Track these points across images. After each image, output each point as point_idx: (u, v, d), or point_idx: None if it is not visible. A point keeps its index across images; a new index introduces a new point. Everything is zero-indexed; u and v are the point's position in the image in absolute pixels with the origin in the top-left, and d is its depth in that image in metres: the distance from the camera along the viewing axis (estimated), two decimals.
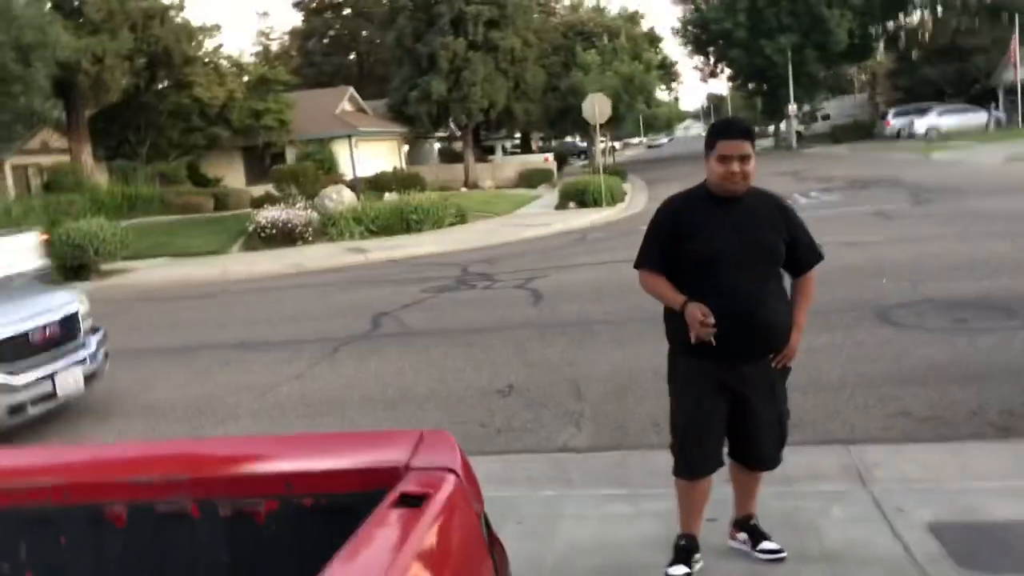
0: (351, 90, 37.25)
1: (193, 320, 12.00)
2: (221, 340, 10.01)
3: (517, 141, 54.59)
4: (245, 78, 29.79)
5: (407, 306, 10.94)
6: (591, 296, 10.26)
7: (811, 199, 20.03)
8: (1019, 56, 39.68)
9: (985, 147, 31.52)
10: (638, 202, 25.57)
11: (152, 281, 16.56)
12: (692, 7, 56.00)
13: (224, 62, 28.41)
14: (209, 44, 28.43)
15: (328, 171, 30.59)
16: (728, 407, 3.50)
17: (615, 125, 43.76)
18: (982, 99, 46.27)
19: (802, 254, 3.57)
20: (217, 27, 28.07)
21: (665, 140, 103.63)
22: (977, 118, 43.15)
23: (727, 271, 3.39)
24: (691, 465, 3.56)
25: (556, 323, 9.13)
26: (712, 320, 3.30)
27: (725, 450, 3.64)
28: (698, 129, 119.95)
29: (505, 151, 47.28)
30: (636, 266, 3.66)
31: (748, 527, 3.78)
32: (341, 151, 32.11)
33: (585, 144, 51.55)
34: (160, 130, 29.27)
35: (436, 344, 8.63)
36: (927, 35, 51.46)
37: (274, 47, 59.99)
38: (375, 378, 7.58)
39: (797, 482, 4.46)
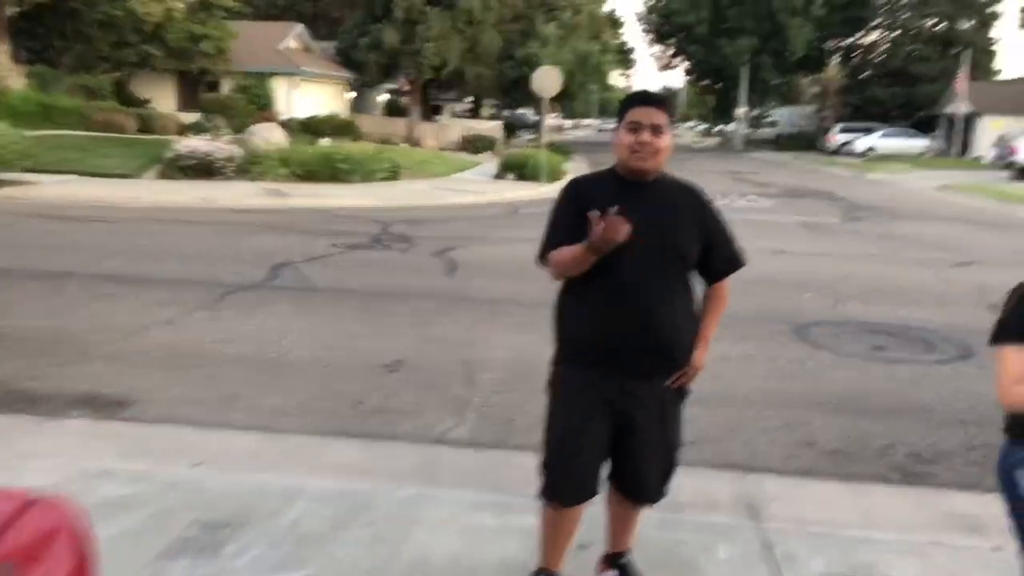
0: (300, 26, 35.78)
1: (80, 245, 11.09)
2: (101, 270, 9.19)
3: (469, 105, 53.62)
4: None
5: (313, 259, 10.26)
6: (508, 273, 9.72)
7: (747, 202, 19.86)
8: (964, 89, 40.31)
9: (920, 172, 31.98)
10: None
11: (48, 197, 15.42)
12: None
13: None
14: None
15: (264, 107, 29.38)
16: (611, 429, 3.00)
17: (567, 103, 43.25)
18: (925, 125, 47.13)
19: (719, 258, 3.07)
20: None
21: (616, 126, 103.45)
22: (917, 143, 43.93)
23: (629, 267, 2.87)
24: (558, 490, 3.04)
25: (465, 297, 8.59)
26: (618, 219, 2.73)
27: (605, 474, 3.15)
28: None
29: (453, 113, 46.31)
30: (540, 258, 3.11)
31: (619, 565, 3.30)
32: (280, 89, 30.82)
33: (537, 118, 50.94)
34: (89, 41, 27.56)
35: (332, 304, 8.01)
36: (881, 56, 52.07)
37: None
38: (256, 334, 6.93)
39: (685, 510, 4.01)
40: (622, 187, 2.95)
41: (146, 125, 25.80)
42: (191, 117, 27.30)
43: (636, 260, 2.87)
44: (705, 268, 3.06)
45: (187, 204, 15.36)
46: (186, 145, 19.03)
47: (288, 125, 25.53)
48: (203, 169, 18.77)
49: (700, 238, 2.98)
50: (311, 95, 32.29)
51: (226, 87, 30.14)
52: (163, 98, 30.91)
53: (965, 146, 42.06)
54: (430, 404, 5.49)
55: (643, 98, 2.95)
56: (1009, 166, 29.12)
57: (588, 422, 2.96)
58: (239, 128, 22.14)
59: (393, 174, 20.71)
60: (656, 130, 2.87)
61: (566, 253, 2.91)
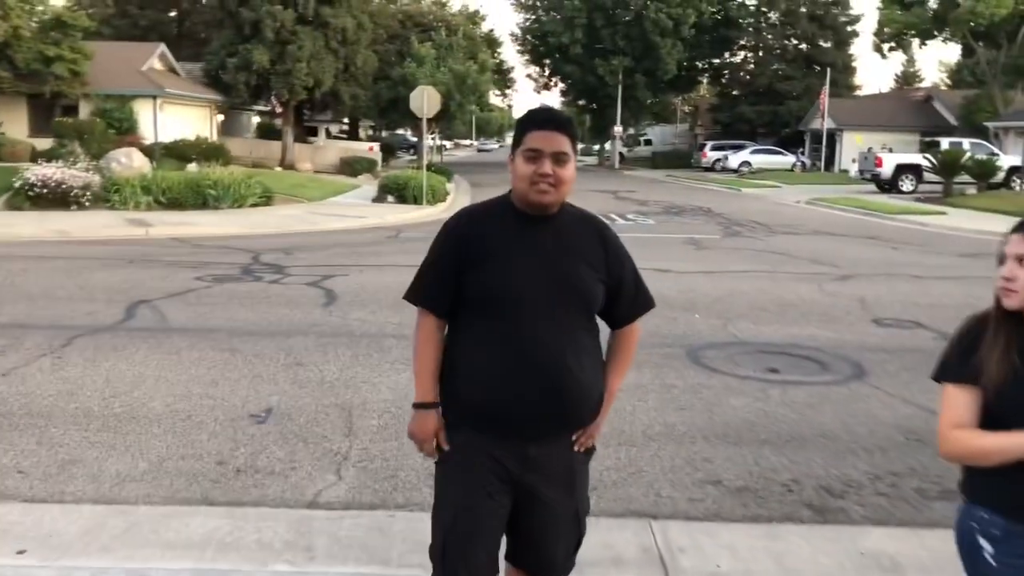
0: (162, 47, 34.15)
1: None
2: None
3: (345, 126, 52.62)
4: (35, 17, 26.37)
5: (174, 295, 9.46)
6: (390, 303, 9.15)
7: (629, 221, 19.93)
8: (826, 106, 42.22)
9: (791, 187, 33.12)
10: (460, 203, 24.74)
11: None
12: (533, 16, 56.15)
13: None
14: None
15: (127, 131, 27.78)
16: (510, 500, 2.56)
17: (445, 123, 42.96)
18: (791, 142, 49.14)
19: (626, 300, 2.68)
20: None
21: (496, 146, 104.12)
22: (785, 160, 45.72)
23: (525, 316, 2.47)
24: None
25: (343, 331, 8.01)
26: (445, 448, 2.57)
27: (503, 553, 2.70)
28: None
29: (329, 134, 45.29)
30: (407, 297, 2.68)
31: None
32: (145, 112, 29.22)
33: (416, 139, 50.40)
34: None
35: (194, 346, 7.29)
36: (748, 75, 54.06)
37: None
38: (104, 385, 6.18)
39: (589, 568, 3.61)
40: (517, 222, 2.55)
41: None
42: (46, 143, 25.51)
43: (536, 308, 2.47)
44: (610, 312, 2.67)
45: (37, 237, 14.15)
46: (36, 173, 17.64)
47: (152, 150, 24.18)
48: (57, 199, 17.47)
49: (605, 278, 2.59)
50: (178, 118, 30.80)
51: (85, 111, 28.37)
52: (14, 122, 28.82)
53: (830, 160, 43.99)
54: (304, 459, 4.93)
55: (543, 120, 2.54)
56: (874, 179, 30.45)
57: (486, 500, 2.51)
58: (97, 154, 20.73)
59: (266, 199, 19.83)
60: (559, 159, 2.48)
61: (423, 353, 2.64)
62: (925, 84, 67.86)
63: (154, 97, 29.54)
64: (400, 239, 15.81)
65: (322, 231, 16.63)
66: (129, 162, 19.18)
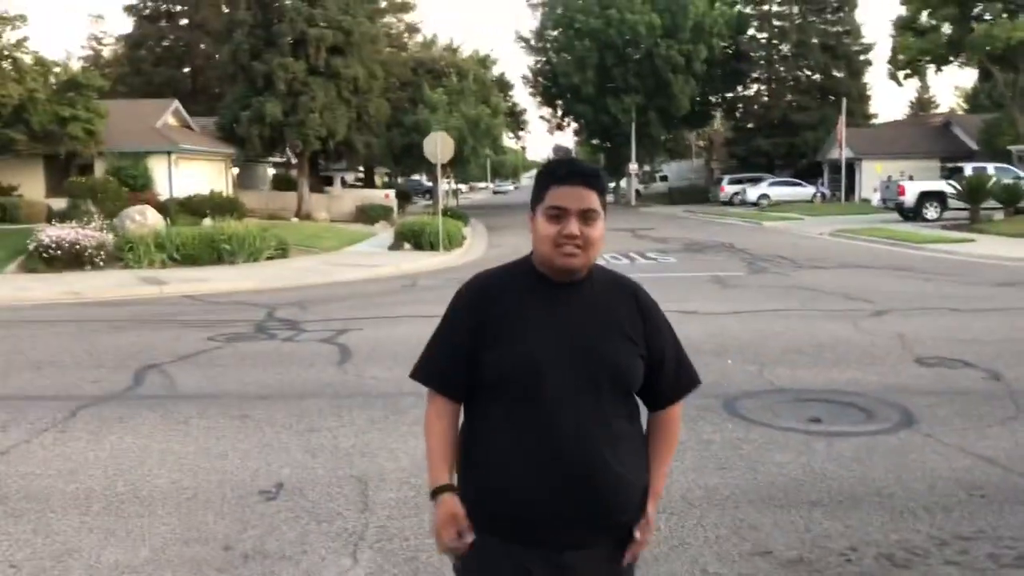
0: (176, 103, 34.41)
1: None
2: None
3: (361, 174, 52.79)
4: (52, 79, 26.59)
5: (185, 357, 9.15)
6: (408, 357, 8.68)
7: (650, 259, 19.58)
8: (843, 136, 41.88)
9: (813, 219, 32.68)
10: (477, 248, 24.54)
11: None
12: (543, 59, 56.46)
13: (26, 57, 25.21)
14: (11, 36, 25.22)
15: (143, 188, 27.87)
16: None
17: (460, 167, 42.96)
18: (808, 173, 48.76)
19: (668, 377, 2.32)
20: (22, 17, 24.93)
21: (511, 187, 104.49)
22: (804, 191, 45.31)
23: (551, 400, 2.12)
24: None
25: (359, 392, 7.66)
26: (469, 540, 2.16)
27: None
28: None
29: (344, 183, 45.39)
30: (414, 376, 2.35)
31: None
32: (159, 168, 29.34)
33: (432, 183, 50.50)
34: None
35: (204, 413, 6.96)
36: (762, 108, 53.89)
37: (107, 53, 55.74)
38: (108, 461, 5.84)
39: None
40: (540, 289, 2.21)
41: (9, 214, 24.03)
42: (62, 202, 25.60)
43: (564, 390, 2.12)
44: (649, 391, 2.31)
45: (48, 299, 13.97)
46: (49, 234, 17.54)
47: (167, 206, 24.16)
48: (71, 259, 17.35)
49: (644, 352, 2.23)
50: (193, 173, 30.92)
51: (99, 169, 28.49)
52: (31, 184, 29.03)
53: (850, 190, 43.53)
54: (316, 539, 4.55)
55: (567, 173, 2.20)
56: (898, 207, 29.94)
57: None
58: (111, 212, 20.68)
59: (281, 252, 19.65)
60: (588, 217, 2.15)
61: (434, 442, 2.29)
62: (941, 110, 67.55)
63: (168, 153, 29.67)
64: (417, 288, 15.51)
65: (338, 282, 16.36)
66: (143, 219, 19.08)
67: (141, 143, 29.21)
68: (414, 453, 5.84)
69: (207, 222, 22.26)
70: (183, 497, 5.19)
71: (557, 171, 2.21)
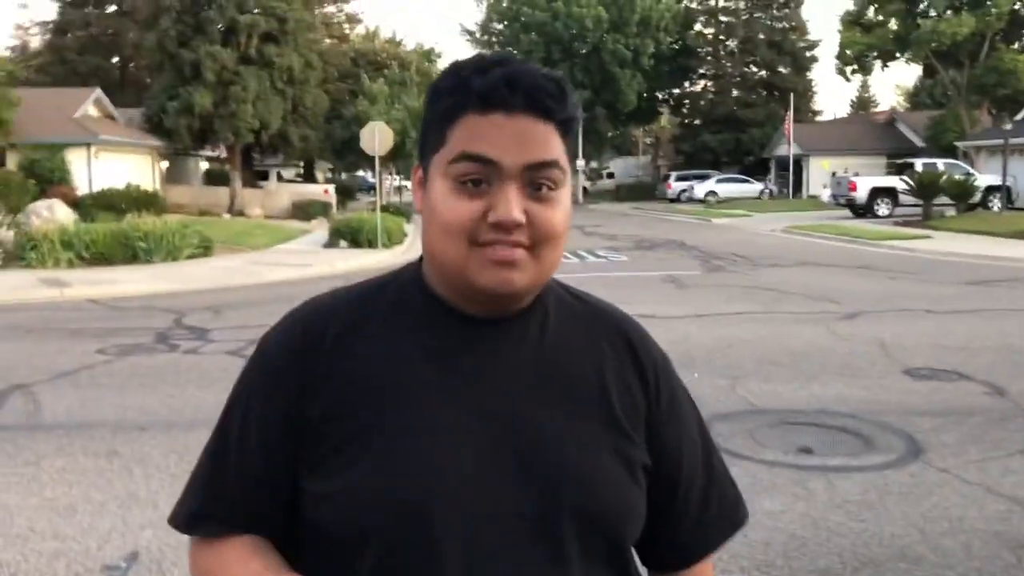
0: (98, 92, 32.34)
1: None
2: None
3: (300, 169, 51.00)
4: None
5: (64, 375, 7.77)
6: None
7: (600, 258, 18.55)
8: (791, 132, 41.52)
9: (762, 216, 32.10)
10: (419, 246, 23.26)
11: None
12: (488, 52, 55.31)
13: None
14: None
15: (59, 182, 26.00)
16: None
17: (401, 161, 41.57)
18: (755, 169, 48.46)
19: (692, 507, 1.15)
20: None
21: None
22: (752, 188, 44.97)
23: (460, 566, 0.94)
24: None
25: None
26: None
27: None
28: None
29: (281, 178, 43.59)
30: (172, 523, 1.13)
31: None
32: (78, 161, 27.41)
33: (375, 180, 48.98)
34: None
35: (62, 450, 5.64)
36: (708, 104, 53.47)
37: (35, 43, 52.95)
38: None
39: None
40: (440, 332, 1.08)
41: None
42: None
43: (484, 548, 0.96)
44: (657, 536, 1.15)
45: None
46: None
47: (80, 201, 22.43)
48: None
49: (643, 454, 1.09)
50: (116, 167, 28.97)
51: (12, 162, 26.52)
52: None
53: (797, 187, 43.20)
54: None
55: (499, 84, 1.00)
56: (849, 203, 29.41)
57: None
58: (16, 208, 18.95)
59: (204, 250, 18.14)
60: (542, 180, 1.02)
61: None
62: (882, 108, 68.03)
63: (88, 145, 27.74)
64: None
65: (262, 283, 14.98)
66: (51, 215, 17.46)
67: (57, 134, 27.26)
68: None
69: (129, 218, 20.61)
70: (3, 571, 3.91)
71: (476, 80, 1.02)
